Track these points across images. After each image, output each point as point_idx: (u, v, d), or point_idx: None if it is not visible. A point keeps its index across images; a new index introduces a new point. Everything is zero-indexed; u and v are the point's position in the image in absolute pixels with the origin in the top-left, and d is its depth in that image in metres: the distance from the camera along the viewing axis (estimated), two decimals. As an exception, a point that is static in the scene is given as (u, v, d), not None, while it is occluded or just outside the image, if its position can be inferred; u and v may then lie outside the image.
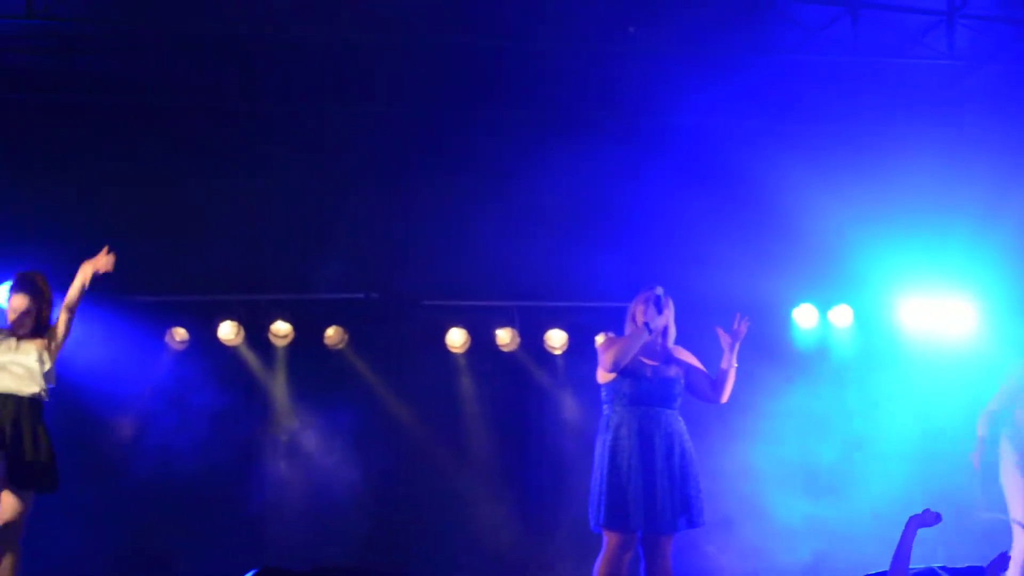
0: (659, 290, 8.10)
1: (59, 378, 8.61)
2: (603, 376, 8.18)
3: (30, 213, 11.78)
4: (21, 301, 8.45)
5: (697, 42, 11.27)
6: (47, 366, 8.38)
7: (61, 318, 8.53)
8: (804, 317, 12.44)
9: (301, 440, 12.11)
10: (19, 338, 8.37)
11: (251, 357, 12.08)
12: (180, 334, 11.82)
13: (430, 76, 11.67)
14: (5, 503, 8.21)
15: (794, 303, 12.41)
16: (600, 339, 11.62)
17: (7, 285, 11.18)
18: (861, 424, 12.24)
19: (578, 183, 12.43)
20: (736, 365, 8.18)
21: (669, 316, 8.16)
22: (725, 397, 8.23)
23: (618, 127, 12.21)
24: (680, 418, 8.13)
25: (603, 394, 8.20)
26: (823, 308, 12.46)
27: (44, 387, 8.34)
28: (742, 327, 8.18)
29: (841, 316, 12.47)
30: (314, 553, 11.61)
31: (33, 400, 8.29)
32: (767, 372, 11.86)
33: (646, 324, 7.98)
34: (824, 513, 11.95)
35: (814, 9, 11.08)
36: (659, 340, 8.12)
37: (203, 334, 11.88)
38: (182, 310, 11.90)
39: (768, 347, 12.09)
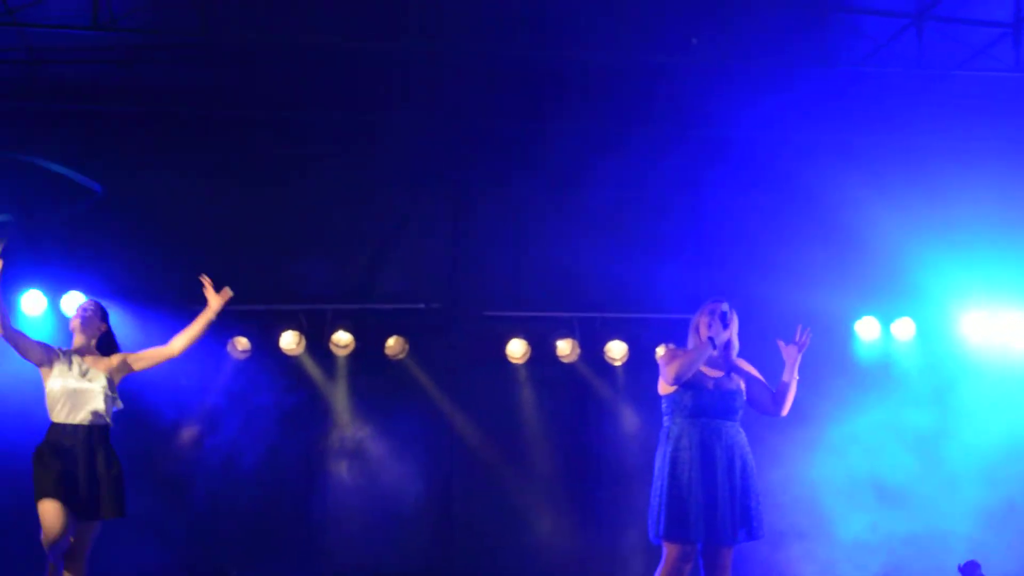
0: (725, 305, 8.06)
1: (120, 389, 8.69)
2: (664, 388, 8.15)
3: (92, 223, 11.89)
4: (89, 307, 8.52)
5: (761, 54, 11.24)
6: (113, 393, 8.40)
7: (160, 353, 8.60)
8: (866, 330, 12.35)
9: (362, 450, 12.13)
10: (85, 357, 8.38)
11: (312, 367, 12.12)
12: (242, 343, 11.85)
13: (493, 87, 11.70)
14: (78, 529, 8.28)
15: (856, 316, 12.32)
16: (661, 351, 11.64)
17: (71, 298, 11.37)
18: (925, 437, 12.11)
19: (639, 195, 12.44)
20: (797, 378, 8.12)
21: (733, 329, 8.12)
22: (786, 410, 8.18)
23: (680, 139, 12.20)
24: (741, 430, 8.10)
25: (664, 406, 8.17)
26: (886, 321, 12.37)
27: (110, 412, 8.39)
28: (804, 338, 8.13)
29: (904, 329, 12.37)
30: (374, 563, 11.66)
31: (100, 427, 8.35)
32: (829, 385, 11.81)
33: (711, 339, 7.94)
34: (892, 527, 11.86)
35: (880, 21, 11.03)
36: (721, 352, 8.08)
37: (265, 344, 11.92)
38: (244, 319, 11.94)
39: (830, 360, 12.03)
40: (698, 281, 12.12)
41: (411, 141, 12.41)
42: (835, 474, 11.94)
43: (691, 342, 8.10)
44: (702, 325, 8.06)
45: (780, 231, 12.25)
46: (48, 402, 8.26)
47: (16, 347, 8.22)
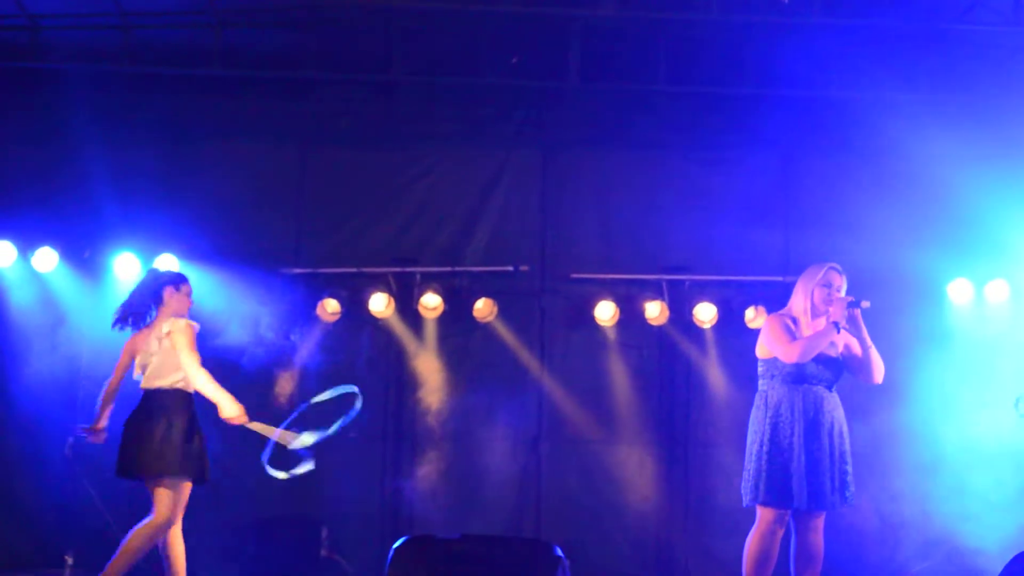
0: (840, 278, 8.03)
1: (213, 351, 8.92)
2: (763, 351, 8.14)
3: (185, 186, 12.02)
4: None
5: (853, 11, 11.13)
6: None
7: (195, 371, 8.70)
8: (959, 292, 12.18)
9: (450, 412, 12.19)
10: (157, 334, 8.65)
11: (401, 329, 12.18)
12: (332, 306, 11.93)
13: (584, 50, 11.66)
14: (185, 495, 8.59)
15: (949, 278, 12.16)
16: (753, 315, 11.60)
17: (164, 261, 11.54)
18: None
19: (728, 156, 12.37)
20: (871, 346, 8.06)
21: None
22: (878, 377, 8.13)
23: (770, 100, 12.09)
24: (837, 397, 8.10)
25: (761, 369, 8.16)
26: (979, 283, 12.19)
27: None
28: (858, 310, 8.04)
29: (997, 291, 12.18)
30: (461, 523, 11.70)
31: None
32: (921, 348, 11.71)
33: (835, 324, 7.92)
34: (983, 496, 11.73)
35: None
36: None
37: (354, 306, 12.00)
38: (334, 283, 12.04)
39: (921, 323, 11.93)
40: (787, 243, 12.08)
41: (501, 105, 12.42)
42: (924, 439, 11.85)
43: (797, 305, 8.07)
44: (817, 296, 8.02)
45: (870, 192, 12.13)
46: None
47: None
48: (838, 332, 7.92)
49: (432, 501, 12.04)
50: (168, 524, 8.40)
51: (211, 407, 8.73)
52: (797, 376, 7.96)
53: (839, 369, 8.09)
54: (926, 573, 11.57)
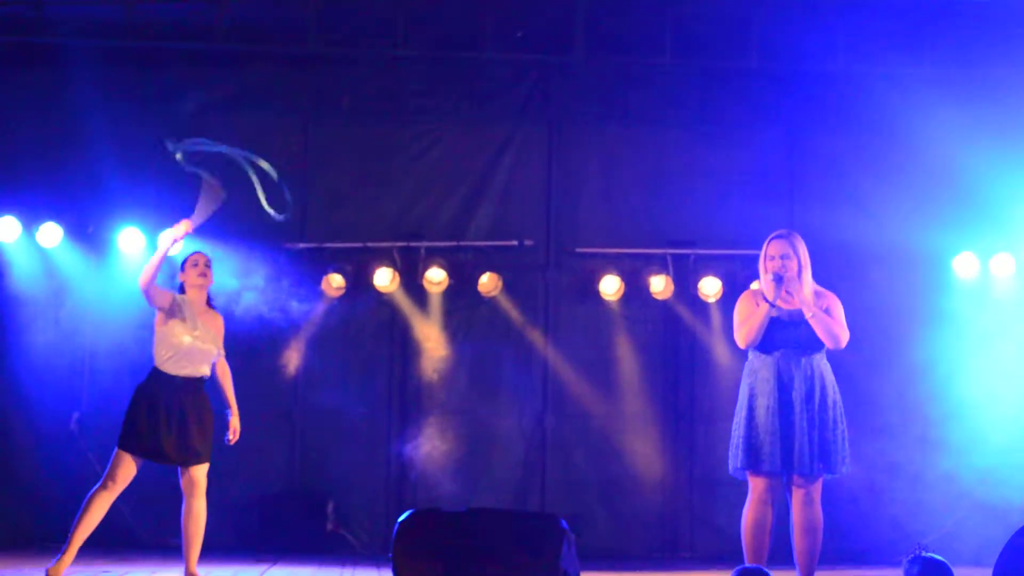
0: (773, 245, 8.04)
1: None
2: (743, 321, 8.20)
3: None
4: (203, 257, 8.63)
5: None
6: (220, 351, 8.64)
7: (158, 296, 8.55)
8: (964, 267, 12.16)
9: (454, 386, 12.20)
10: (200, 316, 8.54)
11: (406, 304, 12.18)
12: (336, 281, 11.93)
13: (589, 24, 11.65)
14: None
15: (953, 252, 12.14)
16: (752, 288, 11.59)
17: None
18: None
19: (731, 131, 12.36)
20: (812, 311, 8.02)
21: (804, 260, 8.08)
22: (829, 343, 8.07)
23: (774, 74, 12.08)
24: (826, 363, 8.10)
25: (747, 340, 8.22)
26: (984, 257, 12.17)
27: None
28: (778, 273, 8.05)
29: (1002, 265, 12.16)
30: (467, 497, 11.73)
31: (204, 379, 8.60)
32: (926, 322, 11.71)
33: (764, 297, 7.99)
34: (983, 466, 11.74)
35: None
36: (797, 285, 8.06)
37: (359, 281, 12.00)
38: (338, 257, 12.03)
39: (926, 297, 11.91)
40: (792, 217, 12.04)
41: (506, 79, 12.40)
42: (928, 411, 11.87)
43: (762, 281, 8.12)
44: (760, 268, 8.11)
45: (876, 166, 12.14)
46: (161, 350, 8.47)
47: (149, 299, 8.43)
48: (773, 306, 7.96)
49: (437, 475, 12.04)
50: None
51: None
52: (772, 342, 8.02)
53: (813, 332, 8.07)
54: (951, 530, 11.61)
